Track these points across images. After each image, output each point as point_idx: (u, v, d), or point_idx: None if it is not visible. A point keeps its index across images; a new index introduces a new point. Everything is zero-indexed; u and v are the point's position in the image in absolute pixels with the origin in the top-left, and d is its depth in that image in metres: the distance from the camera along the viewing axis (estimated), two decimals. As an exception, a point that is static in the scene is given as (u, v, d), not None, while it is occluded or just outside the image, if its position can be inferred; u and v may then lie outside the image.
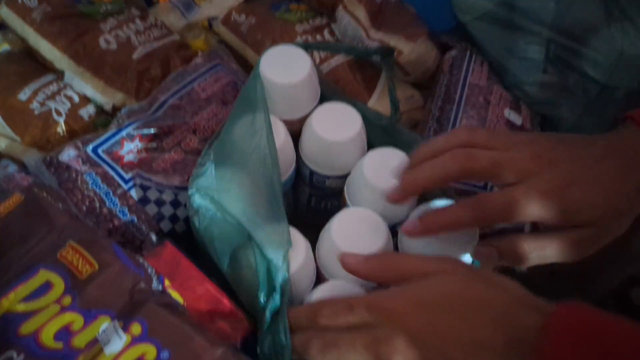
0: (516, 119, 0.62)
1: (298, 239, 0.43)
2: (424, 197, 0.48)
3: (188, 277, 0.43)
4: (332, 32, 0.67)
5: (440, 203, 0.46)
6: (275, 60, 0.48)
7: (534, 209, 0.38)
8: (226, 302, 0.43)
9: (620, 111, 0.65)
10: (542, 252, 0.41)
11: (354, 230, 0.43)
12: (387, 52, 0.51)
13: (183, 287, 0.40)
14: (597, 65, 0.59)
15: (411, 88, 0.67)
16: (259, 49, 0.67)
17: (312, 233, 0.46)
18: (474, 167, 0.40)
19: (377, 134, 0.52)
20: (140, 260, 0.42)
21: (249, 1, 0.71)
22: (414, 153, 0.45)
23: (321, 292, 0.41)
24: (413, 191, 0.44)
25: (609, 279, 1.28)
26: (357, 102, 0.53)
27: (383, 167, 0.46)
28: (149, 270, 0.41)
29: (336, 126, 0.49)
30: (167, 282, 0.41)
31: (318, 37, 0.66)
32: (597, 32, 0.58)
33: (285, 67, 0.48)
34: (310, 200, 0.55)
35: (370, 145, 0.50)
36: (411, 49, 0.61)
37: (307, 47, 0.49)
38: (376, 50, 0.50)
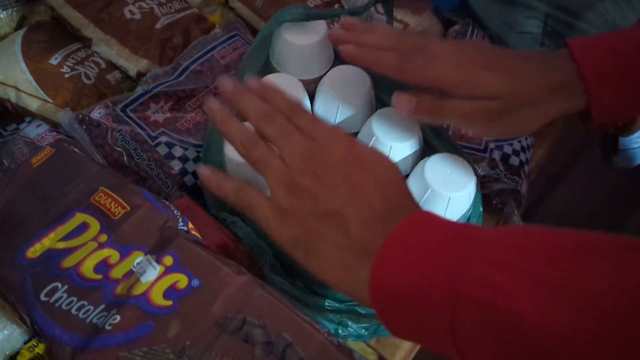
0: (515, 88, 0.65)
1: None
2: (429, 152, 0.52)
3: (204, 224, 0.47)
4: (341, 7, 0.71)
5: (443, 155, 0.50)
6: (293, 25, 0.52)
7: (446, 72, 0.44)
8: (241, 249, 0.48)
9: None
10: (455, 111, 0.45)
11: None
12: None
13: (201, 234, 0.44)
14: (591, 38, 0.63)
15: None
16: (273, 23, 0.70)
17: None
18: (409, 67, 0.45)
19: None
20: (167, 202, 0.46)
21: (263, -22, 0.75)
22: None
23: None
24: (347, 41, 0.47)
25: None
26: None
27: (390, 124, 0.50)
28: (175, 212, 0.45)
29: (347, 88, 0.53)
30: (190, 225, 0.45)
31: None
32: (591, 6, 0.62)
33: (303, 30, 0.52)
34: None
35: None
36: (417, 22, 0.65)
37: (309, 17, 0.53)
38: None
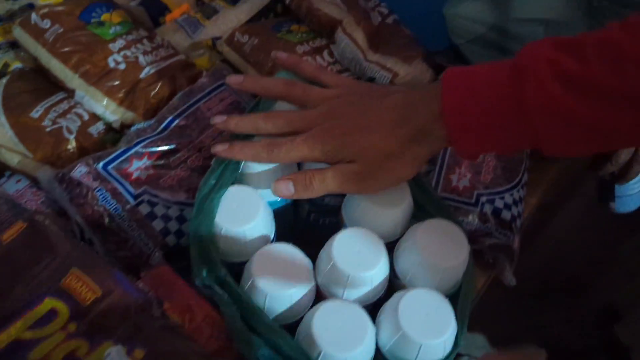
0: (507, 139, 0.64)
1: (298, 257, 0.46)
2: (418, 217, 0.51)
3: (183, 298, 0.45)
4: (331, 53, 0.70)
5: (435, 221, 0.48)
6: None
7: (303, 151, 0.47)
8: (222, 325, 0.45)
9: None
10: (323, 181, 0.47)
11: (353, 250, 0.46)
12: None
13: (178, 308, 0.42)
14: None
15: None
16: (261, 69, 0.69)
17: (313, 248, 0.49)
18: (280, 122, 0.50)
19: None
20: (141, 285, 0.44)
21: (252, 22, 0.74)
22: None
23: (321, 312, 0.43)
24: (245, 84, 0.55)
25: (599, 291, 1.31)
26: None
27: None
28: (149, 294, 0.43)
29: None
30: (166, 305, 0.43)
31: (318, 57, 0.69)
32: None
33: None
34: (310, 216, 0.58)
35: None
36: (406, 71, 0.64)
37: None
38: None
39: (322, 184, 0.47)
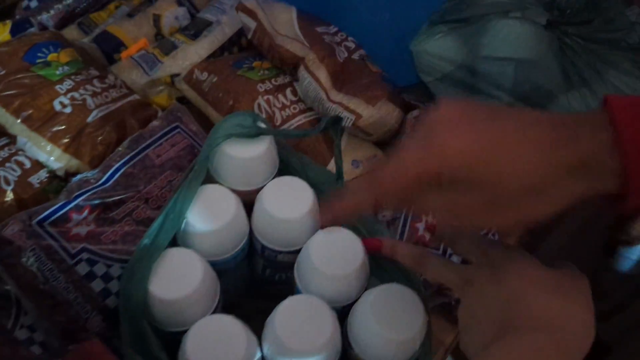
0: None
1: (238, 331, 0.42)
2: (377, 275, 0.47)
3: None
4: (294, 92, 0.67)
5: (391, 287, 0.45)
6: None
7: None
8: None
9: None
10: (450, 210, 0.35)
11: (298, 321, 0.42)
12: (335, 120, 0.50)
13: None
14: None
15: (375, 148, 0.66)
16: (221, 108, 0.66)
17: (271, 301, 0.45)
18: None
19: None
20: None
21: (213, 57, 0.71)
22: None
23: None
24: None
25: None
26: (311, 166, 0.52)
27: (332, 249, 0.45)
28: None
29: (287, 202, 0.48)
30: None
31: (280, 96, 0.66)
32: (554, 98, 0.58)
33: (243, 144, 0.48)
34: (265, 271, 0.54)
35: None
36: (370, 113, 0.61)
37: (258, 133, 0.48)
38: (325, 125, 0.49)
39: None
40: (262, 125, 0.50)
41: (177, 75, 0.69)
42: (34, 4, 0.69)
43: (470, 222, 0.35)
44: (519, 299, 0.35)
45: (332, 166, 0.61)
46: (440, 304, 0.58)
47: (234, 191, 0.49)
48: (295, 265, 0.48)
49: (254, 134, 0.49)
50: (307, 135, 0.50)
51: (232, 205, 0.47)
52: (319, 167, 0.54)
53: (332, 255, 0.45)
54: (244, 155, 0.48)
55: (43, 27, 0.69)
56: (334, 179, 0.53)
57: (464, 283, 0.38)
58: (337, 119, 0.51)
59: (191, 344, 0.40)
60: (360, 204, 0.37)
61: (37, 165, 0.57)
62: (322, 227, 0.46)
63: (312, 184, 0.50)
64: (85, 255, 0.50)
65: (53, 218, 0.51)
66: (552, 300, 0.34)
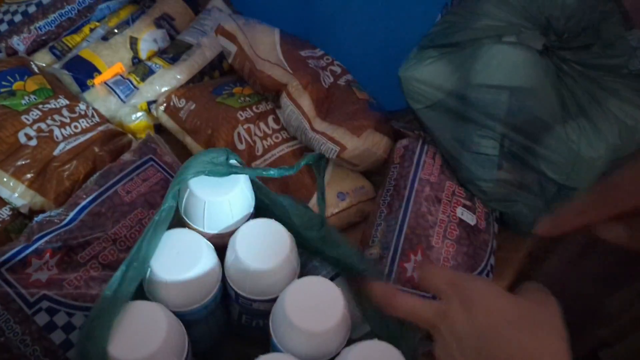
0: (470, 218, 0.57)
1: None
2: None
3: None
4: (276, 119, 0.63)
5: (371, 344, 0.41)
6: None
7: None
8: None
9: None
10: None
11: None
12: (317, 158, 0.47)
13: None
14: (553, 164, 0.55)
15: (362, 178, 0.63)
16: (199, 137, 0.63)
17: (250, 346, 0.42)
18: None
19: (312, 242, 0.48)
20: None
21: (193, 82, 0.68)
22: None
23: None
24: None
25: (581, 343, 1.24)
26: (293, 208, 0.48)
27: (309, 300, 0.42)
28: None
29: (262, 249, 0.44)
30: None
31: (262, 124, 0.62)
32: (552, 131, 0.54)
33: (215, 185, 0.44)
34: (241, 318, 0.50)
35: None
36: (355, 145, 0.57)
37: (232, 172, 0.45)
38: (307, 161, 0.46)
39: None
40: (235, 162, 0.46)
41: (154, 102, 0.65)
42: (4, 27, 0.65)
43: None
44: (490, 338, 0.35)
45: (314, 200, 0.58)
46: (429, 350, 0.54)
47: (205, 235, 0.46)
48: (270, 317, 0.44)
49: (226, 172, 0.45)
50: (285, 175, 0.46)
51: (201, 252, 0.44)
52: (301, 208, 0.50)
53: (310, 308, 0.41)
54: (215, 196, 0.45)
55: (13, 52, 0.65)
56: (318, 222, 0.49)
57: (436, 319, 0.38)
58: (320, 157, 0.47)
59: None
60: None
61: (0, 202, 0.54)
62: None
63: (294, 227, 0.46)
64: (45, 304, 0.46)
65: (11, 263, 0.47)
66: (524, 336, 0.35)
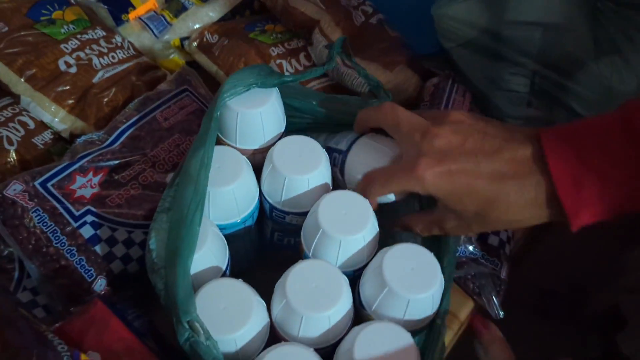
0: (498, 154, 0.58)
1: (248, 297, 0.40)
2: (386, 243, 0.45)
3: (117, 338, 0.40)
4: (308, 56, 0.64)
5: (405, 247, 0.42)
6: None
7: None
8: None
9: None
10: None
11: (309, 285, 0.40)
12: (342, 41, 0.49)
13: (111, 350, 0.37)
14: (583, 100, 0.56)
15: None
16: (231, 72, 0.63)
17: (280, 270, 0.43)
18: None
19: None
20: (50, 336, 0.38)
21: (224, 20, 0.68)
22: None
23: (274, 356, 0.38)
24: None
25: (600, 296, 1.25)
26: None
27: (338, 212, 0.43)
28: (59, 347, 0.37)
29: (297, 161, 0.45)
30: (83, 357, 0.37)
31: (293, 61, 0.63)
32: (584, 66, 0.55)
33: (249, 93, 0.45)
34: (273, 235, 0.52)
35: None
36: (388, 78, 0.58)
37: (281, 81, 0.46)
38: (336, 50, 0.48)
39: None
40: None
41: (187, 38, 0.66)
42: (39, -38, 0.66)
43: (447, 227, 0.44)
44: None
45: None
46: (455, 278, 0.56)
47: (242, 151, 0.47)
48: (302, 229, 0.46)
49: (278, 82, 0.46)
50: (323, 72, 0.49)
51: (242, 167, 0.45)
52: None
53: (341, 218, 0.43)
54: (248, 109, 0.46)
55: (49, -14, 0.66)
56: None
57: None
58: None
59: (200, 305, 0.38)
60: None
61: (41, 126, 0.55)
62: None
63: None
64: (89, 218, 0.48)
65: (57, 179, 0.49)
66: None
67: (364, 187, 0.45)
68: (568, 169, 0.37)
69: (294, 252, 0.48)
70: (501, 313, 0.55)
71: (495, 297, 0.54)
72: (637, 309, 0.99)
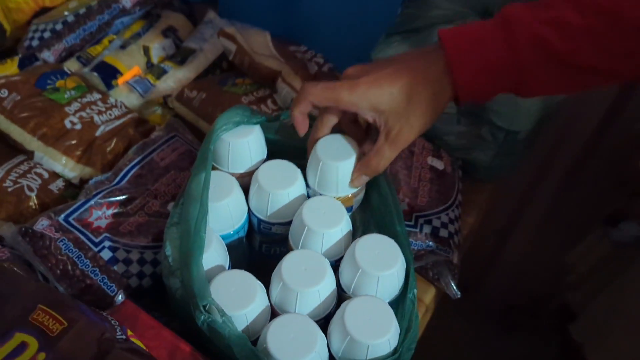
0: (438, 164, 0.71)
1: (252, 282, 0.50)
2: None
3: (147, 327, 0.48)
4: (274, 102, 0.76)
5: (372, 236, 0.53)
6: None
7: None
8: (184, 347, 0.49)
9: (524, 149, 0.76)
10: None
11: (300, 269, 0.50)
12: None
13: (144, 336, 0.45)
14: (500, 115, 0.69)
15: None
16: (211, 120, 0.75)
17: (268, 277, 0.53)
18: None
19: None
20: (104, 314, 0.47)
21: (199, 79, 0.80)
22: None
23: (276, 326, 0.47)
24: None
25: (553, 299, 1.37)
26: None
27: (318, 212, 0.54)
28: (112, 322, 0.46)
29: (279, 179, 0.56)
30: (129, 332, 0.46)
31: (262, 106, 0.75)
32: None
33: (237, 130, 0.57)
34: (262, 247, 0.62)
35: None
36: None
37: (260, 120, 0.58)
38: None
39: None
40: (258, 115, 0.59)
41: (169, 95, 0.78)
42: (35, 43, 0.77)
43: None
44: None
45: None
46: (417, 268, 0.67)
47: (232, 175, 0.58)
48: (290, 231, 0.56)
49: (259, 120, 0.58)
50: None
51: (232, 186, 0.56)
52: None
53: (320, 216, 0.54)
54: (237, 139, 0.57)
55: (45, 62, 0.77)
56: None
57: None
58: None
59: (214, 291, 0.48)
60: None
61: (54, 175, 0.65)
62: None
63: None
64: (107, 243, 0.57)
65: (77, 214, 0.58)
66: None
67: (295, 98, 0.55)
68: (456, 41, 0.50)
69: (278, 261, 0.58)
70: (458, 293, 0.66)
71: (452, 280, 0.65)
72: (582, 302, 1.12)
